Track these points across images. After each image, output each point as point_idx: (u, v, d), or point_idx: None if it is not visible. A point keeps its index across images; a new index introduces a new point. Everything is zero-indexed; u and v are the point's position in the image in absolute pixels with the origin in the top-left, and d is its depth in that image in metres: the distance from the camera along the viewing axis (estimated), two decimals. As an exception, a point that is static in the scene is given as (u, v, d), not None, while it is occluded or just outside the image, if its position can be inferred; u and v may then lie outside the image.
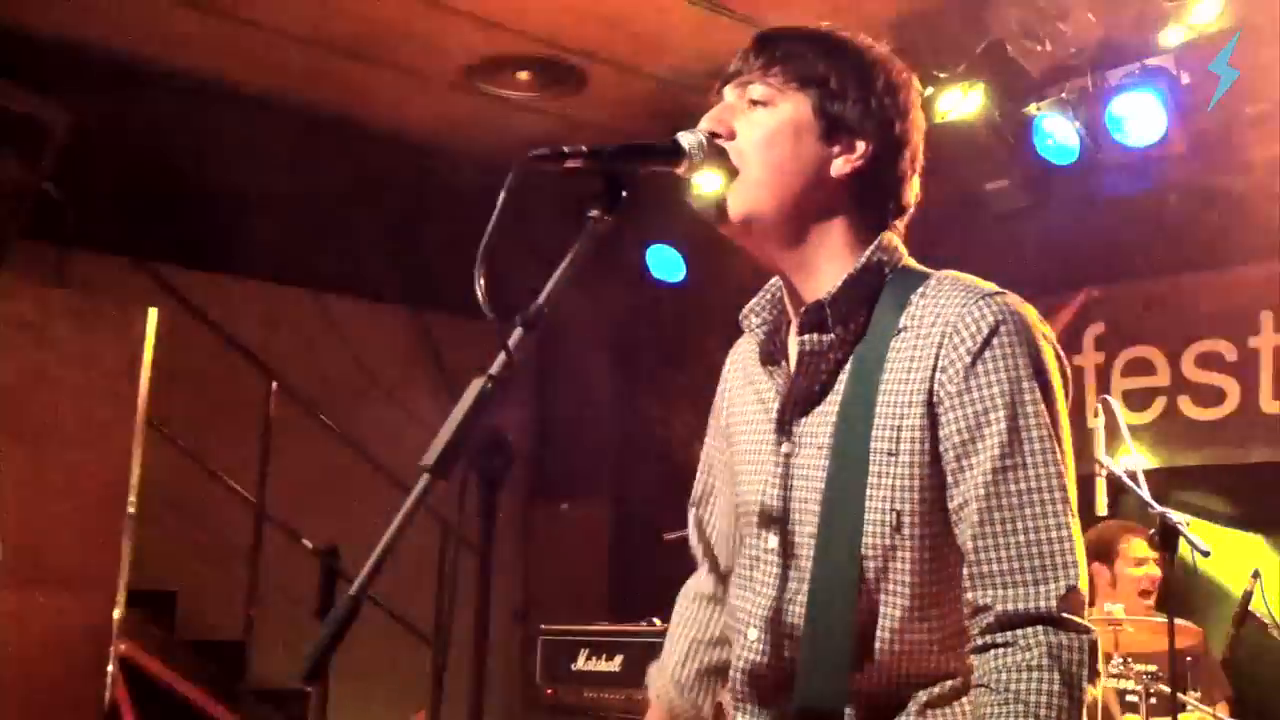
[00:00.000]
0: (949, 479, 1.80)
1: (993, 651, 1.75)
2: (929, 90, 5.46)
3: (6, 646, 4.19)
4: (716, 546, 2.19)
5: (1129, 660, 4.65)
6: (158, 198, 6.32)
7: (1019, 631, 1.73)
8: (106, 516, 5.17)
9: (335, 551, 4.91)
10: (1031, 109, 5.56)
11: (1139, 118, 5.23)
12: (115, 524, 5.17)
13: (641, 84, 6.40)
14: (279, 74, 6.51)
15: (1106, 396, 4.69)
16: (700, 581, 2.27)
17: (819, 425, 1.89)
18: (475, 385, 1.61)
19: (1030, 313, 1.86)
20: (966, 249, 4.74)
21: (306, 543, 6.28)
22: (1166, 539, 4.19)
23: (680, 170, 1.89)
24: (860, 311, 1.90)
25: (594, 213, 1.77)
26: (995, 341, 1.79)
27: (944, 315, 1.83)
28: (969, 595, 1.79)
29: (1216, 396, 5.90)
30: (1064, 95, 5.49)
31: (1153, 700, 4.54)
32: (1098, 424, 4.49)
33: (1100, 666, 1.76)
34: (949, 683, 1.82)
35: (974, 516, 1.77)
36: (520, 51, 6.22)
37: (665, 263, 7.06)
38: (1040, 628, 1.73)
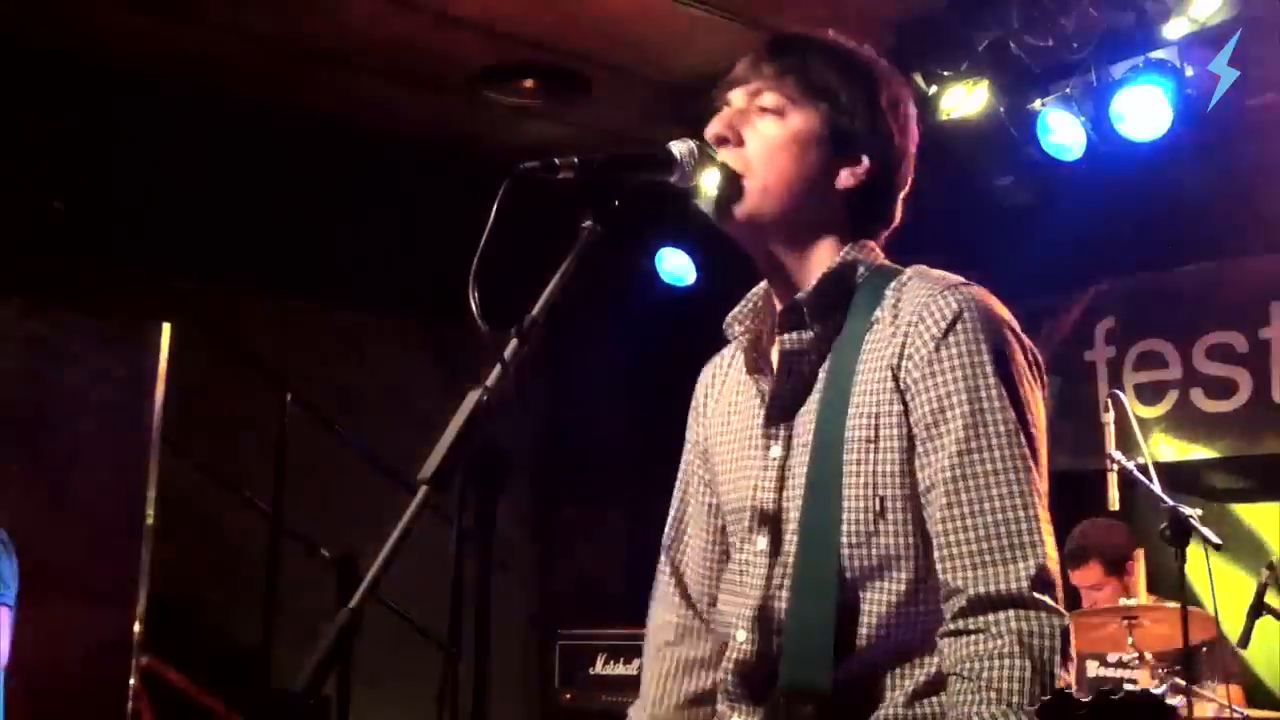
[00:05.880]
0: (917, 463, 1.83)
1: (965, 638, 1.76)
2: (932, 89, 5.45)
3: (30, 662, 4.23)
4: (689, 575, 2.18)
5: (1144, 655, 4.64)
6: (169, 213, 6.35)
7: (990, 617, 1.75)
8: (125, 531, 5.21)
9: (352, 560, 4.96)
10: (1036, 104, 5.54)
11: (1144, 111, 5.21)
12: (134, 538, 5.21)
13: (647, 88, 6.41)
14: (288, 87, 6.54)
15: (1116, 391, 4.70)
16: (664, 619, 2.20)
17: (804, 424, 1.93)
18: (471, 397, 1.63)
19: (994, 303, 1.90)
20: (974, 246, 4.77)
21: (324, 552, 6.30)
22: (1178, 532, 4.19)
23: (673, 179, 1.90)
24: (836, 309, 1.95)
25: (587, 222, 1.79)
26: (958, 328, 1.83)
27: (912, 305, 1.88)
28: (941, 578, 1.80)
29: (1228, 388, 5.89)
30: (1068, 90, 5.47)
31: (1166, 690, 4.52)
32: (1108, 419, 4.49)
33: (1073, 651, 1.77)
34: (937, 664, 1.82)
35: (941, 499, 1.80)
36: (525, 59, 6.24)
37: (676, 267, 7.06)
38: (1011, 612, 1.74)
